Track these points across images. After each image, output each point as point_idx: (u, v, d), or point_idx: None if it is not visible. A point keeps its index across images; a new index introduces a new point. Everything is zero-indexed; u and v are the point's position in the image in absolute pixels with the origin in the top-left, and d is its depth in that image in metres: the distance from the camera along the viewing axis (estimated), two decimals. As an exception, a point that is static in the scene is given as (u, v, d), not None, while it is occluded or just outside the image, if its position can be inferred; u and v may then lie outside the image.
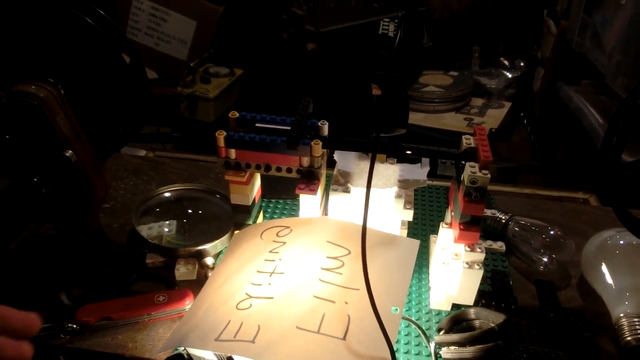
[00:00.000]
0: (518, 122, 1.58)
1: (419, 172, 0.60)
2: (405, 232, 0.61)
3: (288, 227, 0.59)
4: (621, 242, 0.60)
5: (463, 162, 0.55)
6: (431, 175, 0.61)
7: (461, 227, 0.54)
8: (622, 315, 0.55)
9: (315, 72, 1.53)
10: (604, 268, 0.59)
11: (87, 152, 0.57)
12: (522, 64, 1.64)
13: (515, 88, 1.59)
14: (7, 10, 0.52)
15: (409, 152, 0.57)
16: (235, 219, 0.64)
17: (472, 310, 0.55)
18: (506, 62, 1.68)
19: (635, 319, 0.54)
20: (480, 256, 0.55)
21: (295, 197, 0.76)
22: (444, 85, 1.55)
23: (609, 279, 0.58)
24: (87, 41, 0.54)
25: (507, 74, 1.62)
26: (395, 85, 0.51)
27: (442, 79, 1.59)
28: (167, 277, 0.64)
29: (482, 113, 1.53)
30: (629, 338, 0.54)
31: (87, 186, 0.58)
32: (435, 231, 0.68)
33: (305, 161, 0.57)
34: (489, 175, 0.52)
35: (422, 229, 0.71)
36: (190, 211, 0.72)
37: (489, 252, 0.57)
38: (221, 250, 0.66)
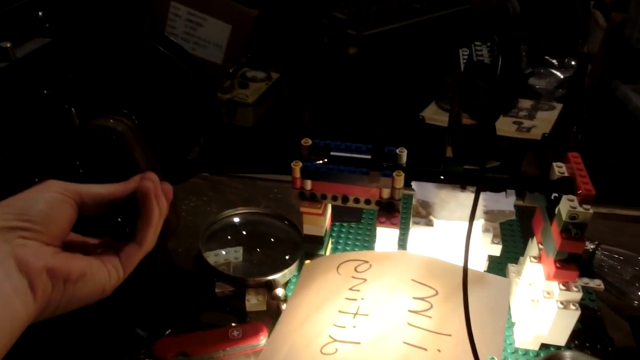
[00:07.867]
0: (571, 126, 1.52)
1: (505, 202, 0.57)
2: (486, 267, 0.58)
3: (367, 262, 0.56)
4: None
5: (556, 194, 0.52)
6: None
7: (557, 265, 0.50)
8: None
9: (357, 78, 1.49)
10: None
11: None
12: (573, 62, 1.57)
13: (567, 88, 1.52)
14: (84, 44, 0.50)
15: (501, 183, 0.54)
16: (306, 248, 0.61)
17: (567, 354, 0.52)
18: (555, 61, 1.61)
19: None
20: (576, 295, 0.51)
21: (359, 220, 0.73)
22: (491, 87, 1.49)
23: None
24: (158, 69, 0.52)
25: (558, 73, 1.55)
26: (489, 115, 0.48)
27: (489, 80, 1.54)
28: (236, 307, 0.62)
29: (532, 116, 1.47)
30: None
31: (160, 219, 0.56)
32: (510, 259, 0.65)
33: (386, 193, 0.54)
34: (591, 211, 0.48)
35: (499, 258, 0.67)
36: (255, 237, 0.70)
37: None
38: (289, 279, 0.64)
